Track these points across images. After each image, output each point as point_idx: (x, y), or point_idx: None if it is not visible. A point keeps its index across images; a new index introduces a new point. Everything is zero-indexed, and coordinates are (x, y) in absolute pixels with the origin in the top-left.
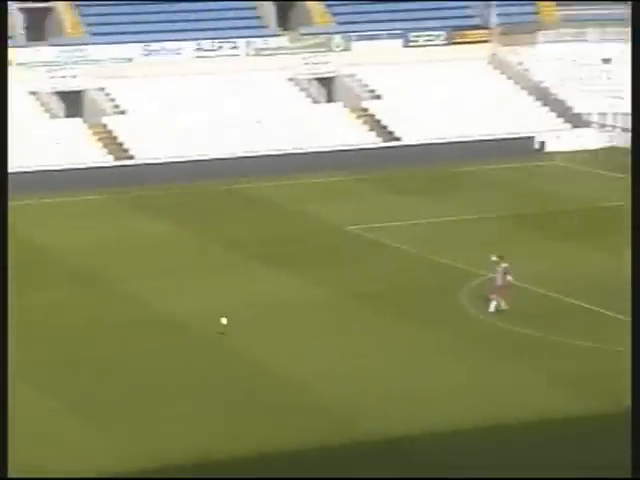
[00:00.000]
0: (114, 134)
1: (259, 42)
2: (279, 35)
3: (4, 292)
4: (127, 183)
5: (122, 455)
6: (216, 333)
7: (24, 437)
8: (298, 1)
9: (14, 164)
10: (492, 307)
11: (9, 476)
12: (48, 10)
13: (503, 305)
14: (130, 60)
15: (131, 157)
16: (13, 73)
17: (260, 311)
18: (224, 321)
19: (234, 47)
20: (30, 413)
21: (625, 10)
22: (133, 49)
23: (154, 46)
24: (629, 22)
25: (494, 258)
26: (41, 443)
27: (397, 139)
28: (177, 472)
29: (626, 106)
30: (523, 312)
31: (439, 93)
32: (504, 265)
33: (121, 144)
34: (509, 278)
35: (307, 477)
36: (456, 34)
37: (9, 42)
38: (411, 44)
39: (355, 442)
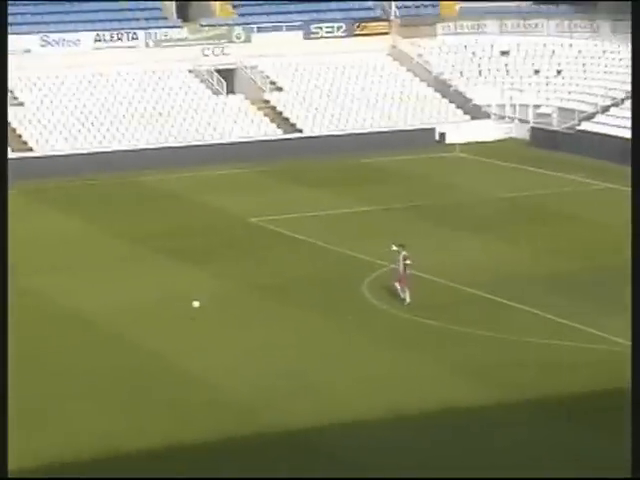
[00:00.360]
0: (12, 126)
1: (159, 33)
2: (179, 26)
3: (4, 292)
4: (27, 176)
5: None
6: (188, 319)
7: None
8: None
9: None
10: (402, 294)
11: (9, 476)
12: None
13: (407, 298)
14: (28, 51)
15: (30, 149)
16: None
17: (162, 305)
18: (196, 304)
19: (134, 38)
20: None
21: (521, 3)
22: (31, 40)
23: (52, 37)
24: (525, 15)
25: (394, 248)
26: None
27: (299, 131)
28: (93, 464)
29: (523, 98)
30: (425, 303)
31: (340, 85)
32: (404, 253)
33: (20, 136)
34: (407, 263)
35: (213, 468)
36: (356, 26)
37: None
38: (312, 36)
39: (257, 434)
